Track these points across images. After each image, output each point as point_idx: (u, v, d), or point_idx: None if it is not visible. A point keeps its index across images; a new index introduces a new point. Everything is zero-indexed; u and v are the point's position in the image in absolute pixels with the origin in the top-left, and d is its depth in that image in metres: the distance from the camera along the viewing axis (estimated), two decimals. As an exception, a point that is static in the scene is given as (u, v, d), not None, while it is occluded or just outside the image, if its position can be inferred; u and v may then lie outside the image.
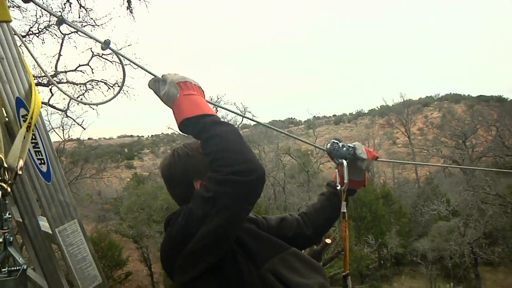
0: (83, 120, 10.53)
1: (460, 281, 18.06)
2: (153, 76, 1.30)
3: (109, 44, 1.27)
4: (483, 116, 27.85)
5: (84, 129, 10.45)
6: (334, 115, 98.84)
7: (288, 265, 1.20)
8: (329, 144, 1.60)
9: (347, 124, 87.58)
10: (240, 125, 28.88)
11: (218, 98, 25.86)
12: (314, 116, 34.63)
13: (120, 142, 75.46)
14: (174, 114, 1.20)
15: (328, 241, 4.81)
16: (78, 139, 24.90)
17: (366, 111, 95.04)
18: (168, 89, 1.20)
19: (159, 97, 1.25)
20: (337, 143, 1.60)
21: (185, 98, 1.18)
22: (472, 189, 16.75)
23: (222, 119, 1.18)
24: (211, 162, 1.10)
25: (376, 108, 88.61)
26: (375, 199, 21.89)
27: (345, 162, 1.58)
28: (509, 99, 79.01)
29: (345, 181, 1.56)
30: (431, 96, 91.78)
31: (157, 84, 1.26)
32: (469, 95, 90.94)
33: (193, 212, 1.09)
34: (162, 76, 1.26)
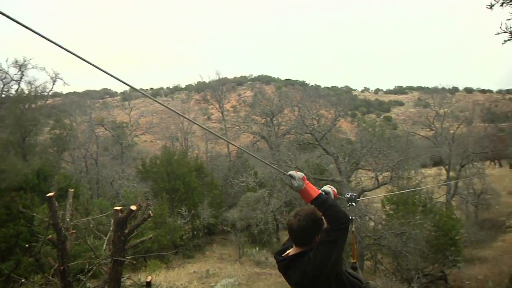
0: None
1: (264, 245, 20.54)
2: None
3: None
4: (289, 97, 31.90)
5: None
6: (152, 88, 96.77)
7: None
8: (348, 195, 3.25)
9: (164, 98, 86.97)
10: (51, 93, 25.22)
11: (25, 61, 21.81)
12: (131, 88, 32.55)
13: None
14: (303, 195, 2.38)
15: (133, 207, 4.61)
16: None
17: (183, 86, 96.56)
18: (298, 183, 2.38)
19: (291, 187, 2.41)
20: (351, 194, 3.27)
21: (308, 187, 2.37)
22: (277, 162, 18.99)
23: None
24: (332, 219, 2.27)
25: (193, 84, 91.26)
26: (188, 171, 22.31)
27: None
28: (310, 84, 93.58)
29: (351, 218, 2.55)
30: (245, 76, 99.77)
31: (289, 179, 2.40)
32: (278, 77, 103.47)
33: (326, 253, 2.23)
34: (289, 174, 2.41)
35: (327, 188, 2.63)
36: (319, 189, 2.47)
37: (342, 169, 16.61)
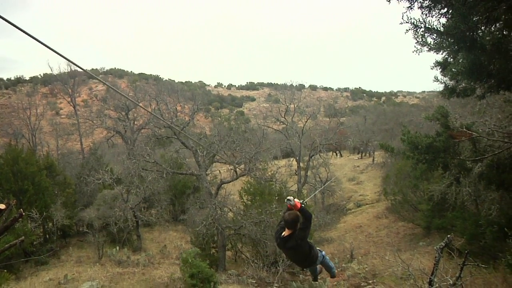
0: None
1: (125, 244, 19.70)
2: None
3: None
4: (145, 91, 30.98)
5: None
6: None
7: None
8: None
9: (4, 90, 75.38)
10: None
11: None
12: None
13: None
14: (295, 207, 4.78)
15: (1, 206, 4.08)
16: None
17: (27, 78, 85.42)
18: (293, 203, 4.74)
19: (290, 205, 4.79)
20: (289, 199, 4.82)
21: (297, 203, 4.78)
22: (134, 157, 18.40)
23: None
24: (306, 217, 4.78)
25: (39, 76, 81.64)
26: (38, 170, 20.23)
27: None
28: (164, 79, 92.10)
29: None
30: (96, 69, 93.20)
31: (289, 201, 4.75)
32: (131, 71, 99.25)
33: (304, 232, 4.86)
34: (288, 199, 4.77)
35: (291, 197, 4.96)
36: (299, 202, 4.88)
37: (200, 163, 16.96)
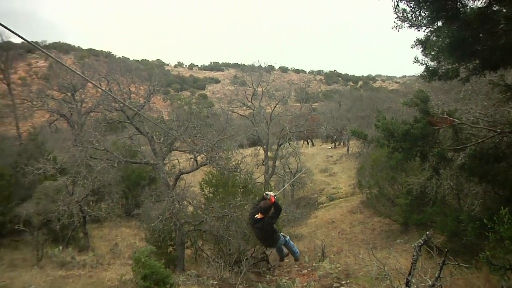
0: None
1: (69, 243, 19.07)
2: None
3: None
4: (95, 69, 29.91)
5: None
6: None
7: None
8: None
9: None
10: None
11: None
12: None
13: None
14: (270, 200, 7.02)
15: None
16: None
17: None
18: (269, 197, 7.06)
19: (267, 198, 7.10)
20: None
21: (272, 198, 7.04)
22: (81, 144, 17.73)
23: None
24: (276, 209, 7.10)
25: (-38, 48, 76.80)
26: None
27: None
28: (117, 56, 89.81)
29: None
30: (36, 41, 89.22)
31: (267, 196, 7.08)
32: (79, 46, 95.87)
33: (272, 220, 7.20)
34: (266, 193, 7.20)
35: (270, 192, 7.14)
36: (273, 196, 7.00)
37: (157, 151, 16.57)
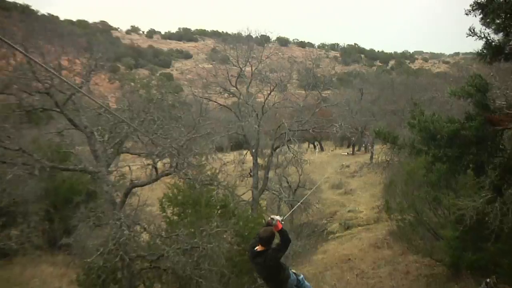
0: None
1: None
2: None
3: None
4: (4, 30, 29.66)
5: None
6: None
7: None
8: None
9: None
10: None
11: None
12: None
13: None
14: (275, 227, 7.62)
15: None
16: None
17: None
18: (275, 223, 7.69)
19: (272, 224, 7.70)
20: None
21: (279, 224, 7.63)
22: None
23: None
24: (284, 240, 7.56)
25: None
26: None
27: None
28: (39, 13, 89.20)
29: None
30: None
31: (272, 221, 7.71)
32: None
33: (277, 254, 7.63)
34: (272, 217, 7.81)
35: (276, 217, 7.62)
36: (280, 222, 7.54)
37: (99, 152, 16.59)
